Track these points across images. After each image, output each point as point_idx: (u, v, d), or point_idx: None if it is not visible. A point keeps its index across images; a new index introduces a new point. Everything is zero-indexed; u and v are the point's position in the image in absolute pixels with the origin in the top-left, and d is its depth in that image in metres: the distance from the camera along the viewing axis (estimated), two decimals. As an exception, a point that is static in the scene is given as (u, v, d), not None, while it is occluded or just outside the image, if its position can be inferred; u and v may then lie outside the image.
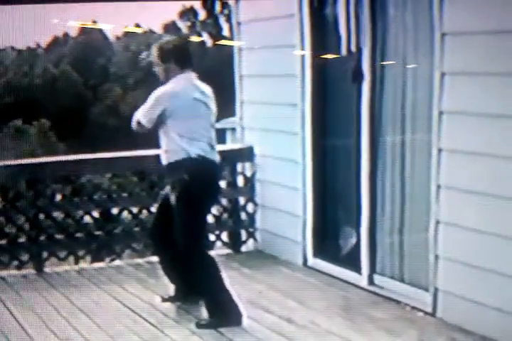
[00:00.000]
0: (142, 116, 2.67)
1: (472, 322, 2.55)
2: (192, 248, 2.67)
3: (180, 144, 2.61)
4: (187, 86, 2.65)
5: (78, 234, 3.46)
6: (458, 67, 2.57)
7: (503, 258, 2.45)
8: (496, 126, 2.47)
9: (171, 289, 2.88)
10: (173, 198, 2.67)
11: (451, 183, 2.64)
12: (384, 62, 2.95)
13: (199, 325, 2.65)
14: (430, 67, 2.67)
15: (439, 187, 2.68)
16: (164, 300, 2.88)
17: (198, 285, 2.69)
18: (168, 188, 2.74)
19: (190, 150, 2.62)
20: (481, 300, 2.51)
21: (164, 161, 2.71)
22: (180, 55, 2.67)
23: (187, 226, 2.65)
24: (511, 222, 2.43)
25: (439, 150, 2.66)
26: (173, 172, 2.66)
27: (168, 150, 2.67)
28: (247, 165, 3.67)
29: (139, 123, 2.68)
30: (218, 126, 3.07)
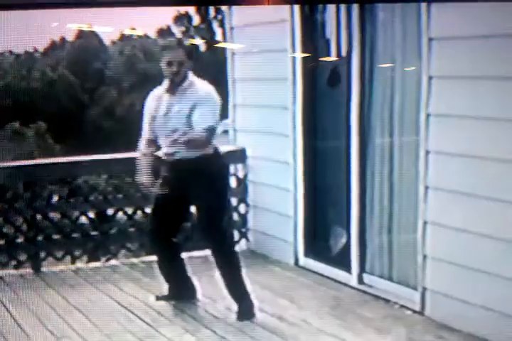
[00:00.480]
0: (213, 121, 2.62)
1: (459, 320, 2.60)
2: (228, 242, 2.79)
3: (210, 139, 2.63)
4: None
5: (74, 235, 3.50)
6: (445, 71, 2.64)
7: (489, 258, 2.50)
8: (482, 128, 2.52)
9: (164, 288, 2.93)
10: (195, 194, 2.66)
11: (439, 184, 2.70)
12: (373, 66, 3.02)
13: (239, 318, 2.70)
14: (418, 70, 2.73)
15: (426, 188, 2.73)
16: (158, 298, 2.92)
17: (234, 277, 2.73)
18: (174, 184, 2.69)
19: (217, 145, 2.69)
20: (467, 298, 2.56)
21: (185, 156, 2.64)
22: (196, 53, 2.76)
23: (222, 221, 2.72)
24: (497, 222, 2.48)
25: (427, 152, 2.72)
26: (201, 168, 2.65)
27: (192, 145, 2.63)
28: (240, 166, 3.72)
29: (212, 130, 2.62)
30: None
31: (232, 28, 3.74)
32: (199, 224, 2.87)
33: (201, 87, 2.69)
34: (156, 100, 2.74)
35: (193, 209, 2.87)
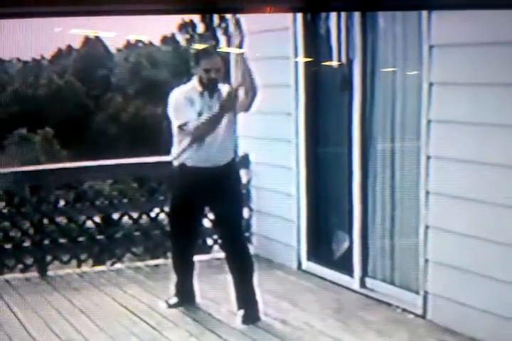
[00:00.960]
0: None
1: (461, 323, 2.61)
2: (247, 248, 2.83)
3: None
4: None
5: (80, 239, 3.54)
6: (445, 78, 2.67)
7: (490, 262, 2.51)
8: (482, 133, 2.55)
9: (171, 293, 2.91)
10: (216, 201, 2.69)
11: (440, 189, 2.72)
12: (374, 73, 3.06)
13: (244, 322, 2.73)
14: (419, 77, 2.77)
15: (427, 193, 2.75)
16: (170, 306, 2.90)
17: (247, 283, 2.75)
18: (195, 190, 2.68)
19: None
20: (469, 302, 2.57)
21: (216, 163, 2.67)
22: None
23: (241, 224, 2.79)
24: (498, 227, 2.50)
25: (428, 158, 2.75)
26: (227, 172, 2.70)
27: (223, 150, 2.69)
28: (243, 171, 3.76)
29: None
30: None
31: (234, 36, 3.79)
32: (219, 231, 2.91)
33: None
34: (189, 100, 2.73)
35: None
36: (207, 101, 2.75)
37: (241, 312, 2.77)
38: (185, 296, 2.91)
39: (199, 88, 2.75)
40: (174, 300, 2.93)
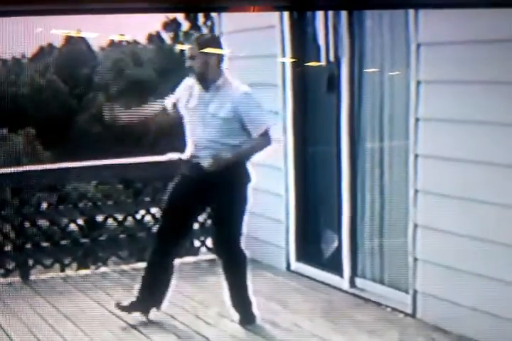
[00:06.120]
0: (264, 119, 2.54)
1: (450, 321, 2.62)
2: (240, 248, 2.72)
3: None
4: None
5: (64, 242, 3.47)
6: (433, 76, 2.67)
7: (478, 260, 2.52)
8: (470, 131, 2.56)
9: (129, 296, 2.75)
10: (215, 202, 2.60)
11: (428, 188, 2.72)
12: (362, 71, 3.05)
13: (242, 323, 2.67)
14: (406, 76, 2.77)
15: (416, 191, 2.76)
16: (121, 308, 2.72)
17: (240, 286, 2.70)
18: (192, 188, 2.59)
19: None
20: (458, 300, 2.58)
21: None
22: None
23: (240, 227, 2.68)
24: (485, 225, 2.51)
25: (416, 156, 2.75)
26: (226, 174, 2.58)
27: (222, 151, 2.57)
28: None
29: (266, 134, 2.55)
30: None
31: (221, 34, 3.76)
32: (215, 233, 2.81)
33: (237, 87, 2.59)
34: (188, 90, 2.64)
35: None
36: (200, 93, 2.63)
37: (237, 314, 2.73)
38: (149, 304, 2.75)
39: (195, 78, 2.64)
40: (128, 302, 2.74)
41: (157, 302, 2.76)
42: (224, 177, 2.61)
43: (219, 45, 2.65)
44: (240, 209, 2.68)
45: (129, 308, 2.75)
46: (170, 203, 2.72)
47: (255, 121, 2.61)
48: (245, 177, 2.69)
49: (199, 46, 2.59)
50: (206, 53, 2.59)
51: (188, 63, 2.61)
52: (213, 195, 2.64)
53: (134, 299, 2.76)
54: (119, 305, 2.77)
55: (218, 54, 2.62)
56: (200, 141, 2.63)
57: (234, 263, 2.71)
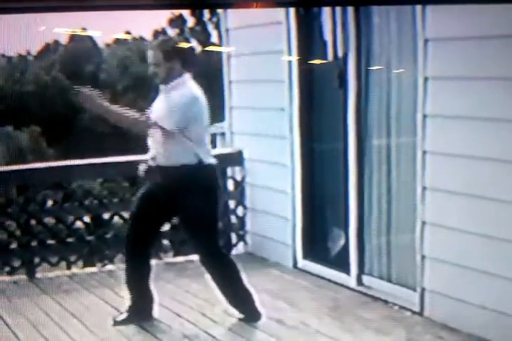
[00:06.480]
0: (172, 122, 2.50)
1: (458, 320, 2.60)
2: (218, 251, 2.67)
3: (192, 149, 2.56)
4: (198, 88, 2.61)
5: (70, 240, 3.46)
6: (440, 72, 2.64)
7: (486, 258, 2.50)
8: (478, 128, 2.53)
9: (123, 309, 2.73)
10: (176, 205, 2.57)
11: (436, 185, 2.70)
12: (369, 68, 3.02)
13: (247, 321, 2.65)
14: (414, 72, 2.74)
15: (424, 188, 2.73)
16: (117, 323, 2.70)
17: (225, 286, 2.67)
18: (156, 191, 2.62)
19: (201, 155, 2.57)
20: (466, 298, 2.56)
21: (163, 163, 2.58)
22: (184, 54, 2.61)
23: (212, 230, 2.63)
24: (494, 222, 2.48)
25: (424, 153, 2.72)
26: (181, 177, 2.56)
27: (173, 154, 2.57)
28: (237, 169, 3.71)
29: (162, 128, 2.53)
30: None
31: (227, 30, 3.74)
32: (189, 238, 2.79)
33: (189, 90, 2.59)
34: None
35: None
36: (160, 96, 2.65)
37: (240, 315, 2.71)
38: (140, 310, 2.72)
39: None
40: (123, 316, 2.72)
41: (147, 310, 2.72)
42: (183, 180, 2.58)
43: (182, 49, 2.64)
44: (208, 212, 2.62)
45: (125, 321, 2.72)
46: (137, 208, 2.73)
47: (170, 118, 2.56)
48: (210, 181, 2.63)
49: (163, 54, 2.59)
50: (171, 59, 2.58)
51: (152, 69, 2.62)
52: (177, 200, 2.61)
53: (126, 311, 2.74)
54: (115, 322, 2.73)
55: (182, 57, 2.60)
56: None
57: (218, 268, 2.66)
